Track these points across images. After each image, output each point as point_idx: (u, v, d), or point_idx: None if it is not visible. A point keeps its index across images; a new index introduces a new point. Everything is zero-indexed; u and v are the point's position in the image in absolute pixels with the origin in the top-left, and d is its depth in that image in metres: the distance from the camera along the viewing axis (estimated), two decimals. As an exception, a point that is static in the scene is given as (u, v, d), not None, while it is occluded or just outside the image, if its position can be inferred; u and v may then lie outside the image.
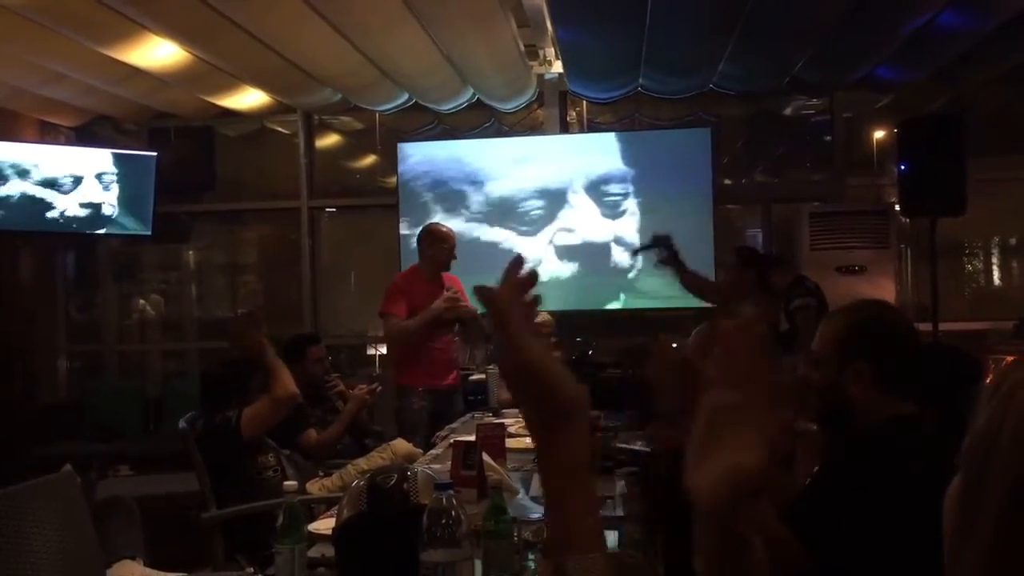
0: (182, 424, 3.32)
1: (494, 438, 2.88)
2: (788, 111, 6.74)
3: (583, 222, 6.19)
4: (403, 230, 6.19)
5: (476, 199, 6.28)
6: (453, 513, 1.46)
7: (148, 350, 7.15)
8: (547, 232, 6.23)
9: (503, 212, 6.24)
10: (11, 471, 3.69)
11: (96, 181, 6.09)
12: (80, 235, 6.22)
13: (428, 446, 3.79)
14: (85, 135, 6.71)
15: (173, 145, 6.61)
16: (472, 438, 2.88)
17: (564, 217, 6.21)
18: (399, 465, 2.59)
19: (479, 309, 4.98)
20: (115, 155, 6.21)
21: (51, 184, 5.94)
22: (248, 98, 6.14)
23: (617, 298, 6.07)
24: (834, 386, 1.84)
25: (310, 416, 4.03)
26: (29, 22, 4.44)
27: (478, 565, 1.62)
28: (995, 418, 0.77)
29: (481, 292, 0.82)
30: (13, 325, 6.15)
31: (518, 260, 0.86)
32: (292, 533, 1.74)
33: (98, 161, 6.11)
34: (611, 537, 1.82)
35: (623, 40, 5.11)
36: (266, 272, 7.24)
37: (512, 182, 6.25)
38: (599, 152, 6.26)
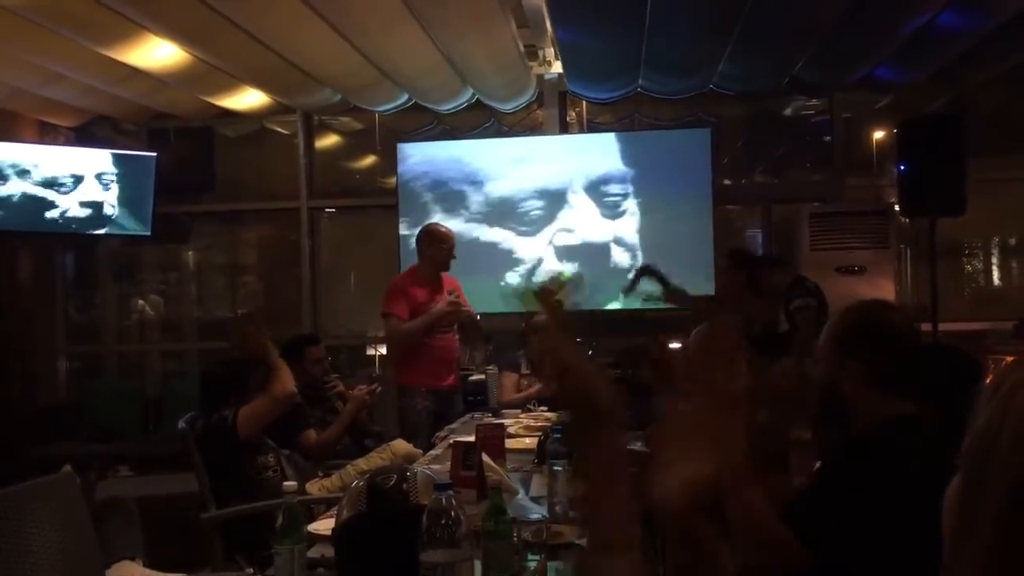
0: (181, 424, 3.32)
1: (494, 438, 2.88)
2: (788, 111, 6.74)
3: (583, 222, 6.19)
4: (402, 230, 6.19)
5: (476, 199, 6.28)
6: (452, 514, 1.46)
7: (147, 351, 7.15)
8: (547, 232, 6.22)
9: (502, 212, 6.24)
10: (10, 472, 3.69)
11: (96, 181, 6.09)
12: (80, 236, 6.22)
13: (429, 447, 3.80)
14: (84, 135, 6.71)
15: (173, 145, 6.61)
16: (472, 439, 2.88)
17: (564, 217, 6.21)
18: (399, 466, 2.59)
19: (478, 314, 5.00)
20: (114, 155, 6.21)
21: (51, 184, 5.94)
22: (248, 98, 6.14)
23: (617, 298, 6.07)
24: (832, 385, 1.85)
25: (309, 416, 4.03)
26: (28, 22, 4.44)
27: (478, 566, 1.62)
28: (995, 419, 0.77)
29: (543, 294, 0.84)
30: (12, 325, 6.15)
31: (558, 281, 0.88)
32: (292, 533, 1.74)
33: (97, 161, 6.10)
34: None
35: (623, 40, 5.11)
36: (266, 273, 7.23)
37: (511, 182, 6.24)
38: (599, 153, 6.26)
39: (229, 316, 6.78)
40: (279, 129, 6.94)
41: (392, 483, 1.72)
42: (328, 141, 7.09)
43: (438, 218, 6.00)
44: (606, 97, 6.41)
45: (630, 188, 6.18)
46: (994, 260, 6.68)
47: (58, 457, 4.53)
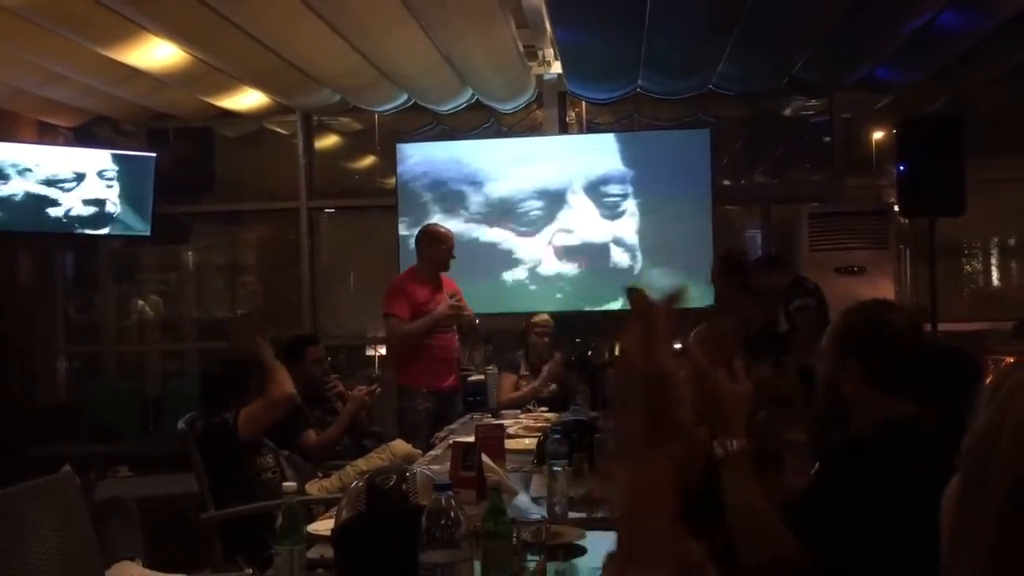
0: (181, 425, 3.32)
1: (493, 439, 2.88)
2: (787, 112, 6.74)
3: (582, 223, 6.19)
4: (402, 231, 6.19)
5: (475, 199, 6.28)
6: (452, 514, 1.46)
7: (147, 351, 7.15)
8: (546, 233, 6.22)
9: (502, 212, 6.24)
10: (10, 472, 3.68)
11: (98, 179, 6.09)
12: (79, 236, 6.22)
13: (429, 447, 3.80)
14: (84, 136, 6.71)
15: (172, 146, 6.61)
16: (471, 439, 2.88)
17: (563, 217, 6.21)
18: (398, 466, 2.59)
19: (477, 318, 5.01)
20: (114, 156, 6.21)
21: (53, 183, 5.94)
22: (247, 99, 6.14)
23: (616, 298, 6.07)
24: (832, 384, 1.85)
25: (309, 417, 4.03)
26: (28, 23, 4.44)
27: (477, 566, 1.61)
28: (994, 419, 0.77)
29: (635, 294, 0.81)
30: (12, 326, 6.15)
31: (678, 294, 0.86)
32: (291, 534, 1.74)
33: (97, 162, 6.10)
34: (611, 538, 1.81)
35: (622, 41, 5.11)
36: (265, 273, 7.23)
37: (511, 183, 6.24)
38: (598, 153, 6.26)
39: (229, 316, 6.78)
40: (278, 129, 6.94)
41: (391, 484, 1.72)
42: (327, 141, 7.10)
43: (438, 218, 6.00)
44: (605, 97, 6.41)
45: (629, 189, 6.18)
46: (993, 260, 6.68)
47: (58, 457, 4.52)
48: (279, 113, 6.60)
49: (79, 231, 6.11)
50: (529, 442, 3.37)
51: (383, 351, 6.50)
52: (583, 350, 5.64)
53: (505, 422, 3.91)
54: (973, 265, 6.64)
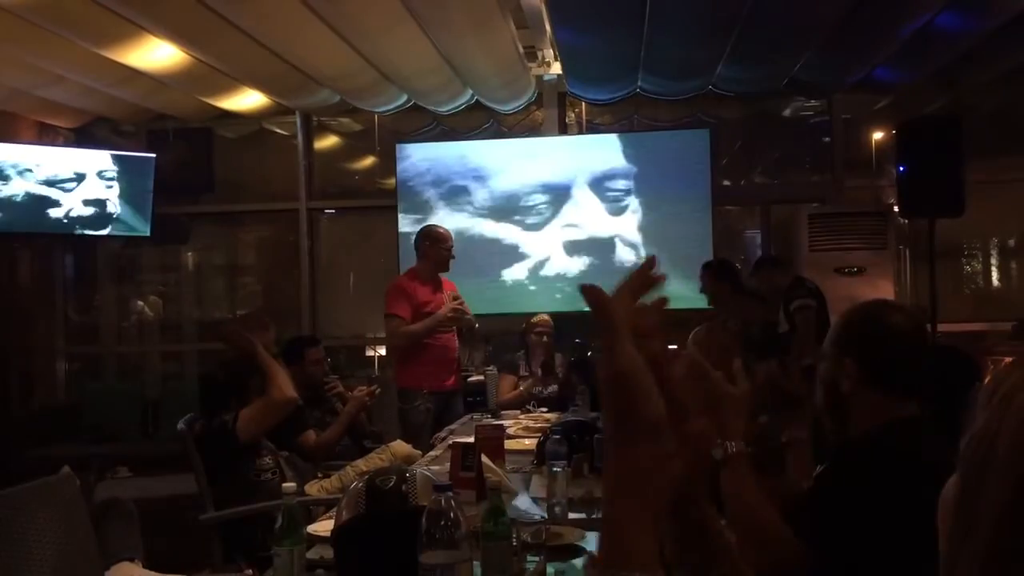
0: (181, 426, 3.32)
1: (493, 439, 2.88)
2: (787, 112, 6.74)
3: (588, 218, 6.18)
4: (404, 228, 6.16)
5: (480, 195, 6.27)
6: (452, 515, 1.46)
7: (147, 352, 7.15)
8: (553, 227, 6.21)
9: (508, 207, 6.23)
10: (10, 473, 3.68)
11: (98, 179, 6.10)
12: (79, 237, 6.22)
13: (430, 448, 3.80)
14: (84, 137, 6.71)
15: (172, 146, 6.61)
16: (471, 439, 2.88)
17: (569, 212, 6.20)
18: (398, 467, 2.59)
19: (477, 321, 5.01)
20: (114, 156, 6.21)
21: (51, 185, 5.94)
22: (247, 100, 6.14)
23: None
24: (831, 384, 1.85)
25: (309, 418, 4.03)
26: (27, 23, 4.44)
27: (477, 567, 1.61)
28: (993, 421, 0.77)
29: (590, 292, 0.79)
30: (12, 327, 6.15)
31: (651, 263, 0.84)
32: (291, 535, 1.74)
33: (97, 162, 6.11)
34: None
35: (622, 42, 5.11)
36: (265, 274, 7.24)
37: (515, 177, 6.23)
38: (597, 153, 6.26)
39: (228, 317, 6.78)
40: (278, 130, 6.94)
41: (391, 484, 1.72)
42: (327, 142, 7.10)
43: (442, 214, 6.04)
44: (605, 98, 6.41)
45: (631, 185, 6.19)
46: (993, 261, 6.69)
47: (57, 458, 4.51)
48: (279, 114, 6.60)
49: (79, 232, 6.11)
50: (529, 443, 3.37)
51: (383, 351, 6.50)
52: (583, 350, 5.64)
53: (505, 423, 3.91)
54: (973, 266, 6.65)
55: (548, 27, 5.19)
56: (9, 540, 1.88)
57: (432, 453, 3.52)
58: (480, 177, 6.28)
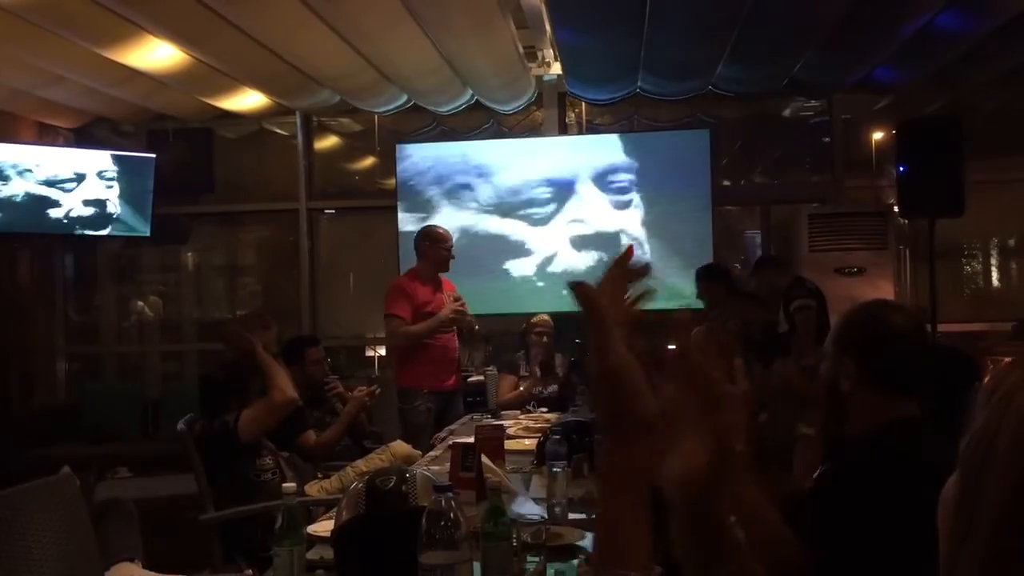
0: (181, 426, 3.32)
1: (493, 440, 2.88)
2: (787, 112, 6.74)
3: (593, 213, 6.18)
4: (406, 227, 6.14)
5: (484, 191, 6.27)
6: (452, 515, 1.46)
7: (147, 352, 7.15)
8: (558, 221, 6.21)
9: (512, 203, 6.23)
10: (10, 473, 3.69)
11: (98, 179, 6.10)
12: (79, 237, 6.22)
13: (430, 448, 3.80)
14: (84, 137, 6.70)
15: (172, 147, 6.61)
16: (471, 440, 2.88)
17: (574, 207, 6.20)
18: (398, 467, 2.59)
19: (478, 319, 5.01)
20: (114, 156, 6.21)
21: (51, 185, 5.94)
22: (247, 100, 6.13)
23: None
24: (831, 384, 1.85)
25: (309, 418, 4.03)
26: (27, 24, 4.44)
27: (477, 567, 1.61)
28: (992, 421, 0.77)
29: (579, 290, 0.79)
30: (12, 327, 6.15)
31: (628, 252, 0.83)
32: (291, 535, 1.74)
33: (97, 163, 6.10)
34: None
35: (622, 42, 5.11)
36: (265, 274, 7.23)
37: (519, 173, 6.23)
38: (597, 154, 6.26)
39: (228, 318, 6.78)
40: (278, 130, 6.94)
41: (391, 485, 1.72)
42: (327, 142, 7.10)
43: (445, 211, 6.04)
44: (605, 98, 6.41)
45: (634, 182, 6.19)
46: (993, 261, 6.69)
47: (57, 458, 4.52)
48: (279, 114, 6.60)
49: (79, 232, 6.11)
50: (529, 443, 3.37)
51: (383, 352, 6.50)
52: (583, 350, 5.63)
53: (505, 423, 3.91)
54: (972, 266, 6.65)
55: (548, 27, 5.19)
56: (9, 540, 1.88)
57: (432, 453, 3.52)
58: (483, 174, 6.28)
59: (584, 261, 6.14)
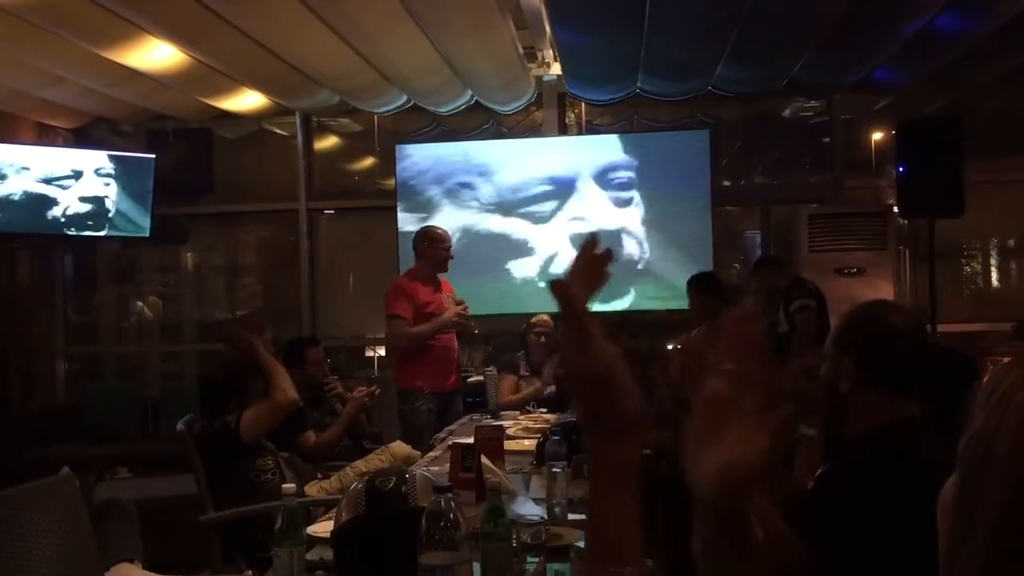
0: (180, 426, 3.32)
1: (493, 440, 2.88)
2: (787, 113, 6.74)
3: (594, 211, 6.18)
4: (406, 226, 6.13)
5: (485, 190, 6.26)
6: (451, 516, 1.46)
7: (147, 352, 7.15)
8: (559, 220, 6.20)
9: (513, 202, 6.23)
10: (10, 473, 3.69)
11: (96, 178, 6.10)
12: (79, 237, 6.22)
13: (430, 449, 3.80)
14: (83, 137, 6.70)
15: (171, 147, 6.60)
16: (471, 440, 2.88)
17: (575, 206, 6.19)
18: (397, 468, 2.59)
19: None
20: (113, 157, 6.21)
21: (51, 181, 5.94)
22: (246, 100, 6.13)
23: (620, 296, 6.03)
24: (831, 384, 1.86)
25: (309, 418, 4.03)
26: (26, 24, 4.44)
27: (477, 568, 1.61)
28: (991, 421, 0.77)
29: (557, 289, 0.78)
30: (11, 327, 6.15)
31: (592, 240, 0.83)
32: (290, 536, 1.74)
33: (96, 163, 6.10)
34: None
35: (622, 42, 5.11)
36: (264, 274, 7.23)
37: (520, 172, 6.23)
38: (597, 153, 6.26)
39: (228, 318, 6.78)
40: (278, 131, 6.94)
41: (391, 485, 1.72)
42: (327, 143, 7.09)
43: (446, 211, 6.04)
44: (605, 99, 6.41)
45: (634, 180, 6.19)
46: (993, 261, 6.69)
47: (57, 459, 4.52)
48: (278, 114, 6.60)
49: (78, 232, 6.11)
50: (528, 443, 3.37)
51: (382, 352, 6.50)
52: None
53: (505, 423, 3.91)
54: (972, 266, 6.65)
55: (548, 27, 5.19)
56: (9, 540, 1.88)
57: (432, 454, 3.52)
58: (484, 173, 6.27)
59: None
